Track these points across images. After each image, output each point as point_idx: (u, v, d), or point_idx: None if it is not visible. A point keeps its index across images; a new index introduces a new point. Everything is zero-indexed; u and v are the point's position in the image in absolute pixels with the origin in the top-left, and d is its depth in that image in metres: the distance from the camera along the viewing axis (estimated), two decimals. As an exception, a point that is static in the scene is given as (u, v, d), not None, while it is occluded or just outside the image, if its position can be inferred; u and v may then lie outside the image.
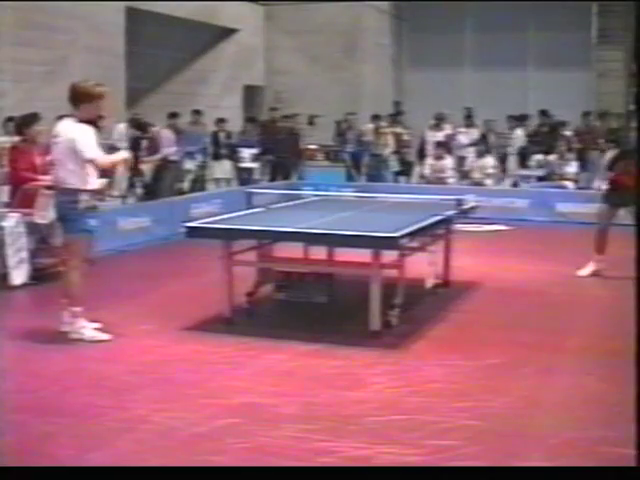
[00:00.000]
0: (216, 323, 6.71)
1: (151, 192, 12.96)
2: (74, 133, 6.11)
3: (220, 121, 15.99)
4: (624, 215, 9.17)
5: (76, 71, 14.21)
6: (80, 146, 6.06)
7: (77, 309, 6.23)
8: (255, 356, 5.90)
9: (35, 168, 8.49)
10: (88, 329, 6.21)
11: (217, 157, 15.80)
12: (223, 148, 15.66)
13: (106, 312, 7.03)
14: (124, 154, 6.70)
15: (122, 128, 14.40)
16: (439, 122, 16.48)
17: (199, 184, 15.02)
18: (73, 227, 6.21)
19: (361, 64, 20.50)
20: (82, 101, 6.17)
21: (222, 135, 15.82)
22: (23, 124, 8.80)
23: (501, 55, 20.84)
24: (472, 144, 15.83)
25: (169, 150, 12.98)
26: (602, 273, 8.74)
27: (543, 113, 16.71)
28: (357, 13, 20.43)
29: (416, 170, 16.57)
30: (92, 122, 6.37)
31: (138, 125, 13.21)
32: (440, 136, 15.93)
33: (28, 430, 4.49)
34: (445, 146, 15.26)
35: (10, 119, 11.92)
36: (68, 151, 6.11)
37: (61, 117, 6.47)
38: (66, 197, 6.18)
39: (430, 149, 15.80)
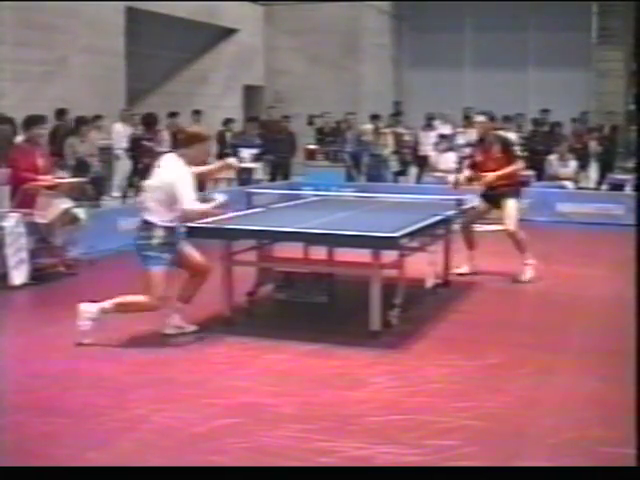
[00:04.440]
0: (216, 323, 6.71)
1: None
2: (175, 177, 5.99)
3: (228, 121, 16.10)
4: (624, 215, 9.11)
5: (76, 71, 14.25)
6: (178, 194, 5.95)
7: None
8: (255, 356, 5.90)
9: (36, 169, 8.49)
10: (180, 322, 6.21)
11: (221, 157, 15.82)
12: (228, 148, 15.71)
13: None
14: (220, 198, 6.28)
15: (119, 127, 14.40)
16: (430, 122, 16.50)
17: (199, 184, 15.01)
18: (147, 261, 6.07)
19: (361, 64, 20.51)
20: (194, 142, 6.21)
21: (228, 135, 15.88)
22: (27, 125, 8.81)
23: (501, 55, 20.85)
24: (469, 144, 15.83)
25: (163, 150, 12.93)
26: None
27: (544, 112, 16.73)
28: (357, 13, 20.44)
29: (412, 170, 16.58)
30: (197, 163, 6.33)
31: (149, 122, 13.11)
32: (432, 136, 15.97)
33: (28, 430, 4.49)
34: (448, 140, 15.35)
35: (9, 120, 11.91)
36: (161, 189, 6.02)
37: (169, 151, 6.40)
38: (143, 232, 6.07)
39: (425, 149, 15.86)
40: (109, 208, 12.22)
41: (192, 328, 6.44)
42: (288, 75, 20.47)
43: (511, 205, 8.56)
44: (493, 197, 8.65)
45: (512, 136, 15.43)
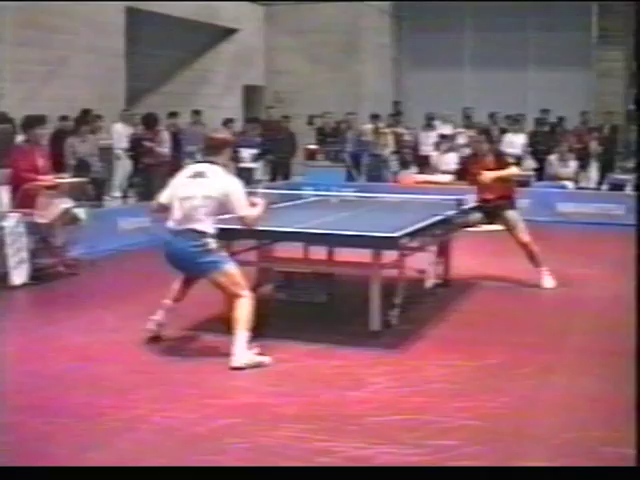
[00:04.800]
0: (216, 323, 6.70)
1: (142, 192, 12.92)
2: (231, 187, 5.94)
3: (228, 121, 16.10)
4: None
5: (76, 71, 14.25)
6: (236, 202, 5.90)
7: (245, 333, 5.73)
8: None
9: (37, 169, 8.50)
10: (250, 354, 5.72)
11: None
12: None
13: (106, 312, 7.05)
14: (261, 203, 6.16)
15: (119, 128, 14.40)
16: (430, 122, 16.50)
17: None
18: (214, 265, 5.94)
19: (361, 64, 20.50)
20: (223, 147, 6.13)
21: None
22: (28, 125, 8.81)
23: (501, 55, 20.84)
24: (468, 144, 15.83)
25: (163, 150, 12.94)
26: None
27: (544, 112, 16.73)
28: (357, 13, 20.43)
29: (412, 171, 16.59)
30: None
31: (149, 122, 13.10)
32: (433, 136, 15.98)
33: (28, 430, 4.49)
34: (449, 140, 15.36)
35: (9, 120, 11.91)
36: (214, 199, 5.89)
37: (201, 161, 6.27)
38: (192, 241, 5.94)
39: (425, 149, 15.88)
40: (109, 208, 12.23)
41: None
42: (288, 75, 20.46)
43: (514, 216, 8.48)
44: (489, 210, 8.53)
45: (520, 138, 15.45)
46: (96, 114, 13.66)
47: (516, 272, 8.95)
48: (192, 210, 5.91)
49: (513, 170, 8.70)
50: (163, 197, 6.26)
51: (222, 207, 5.94)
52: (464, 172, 8.93)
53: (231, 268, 5.94)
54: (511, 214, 8.47)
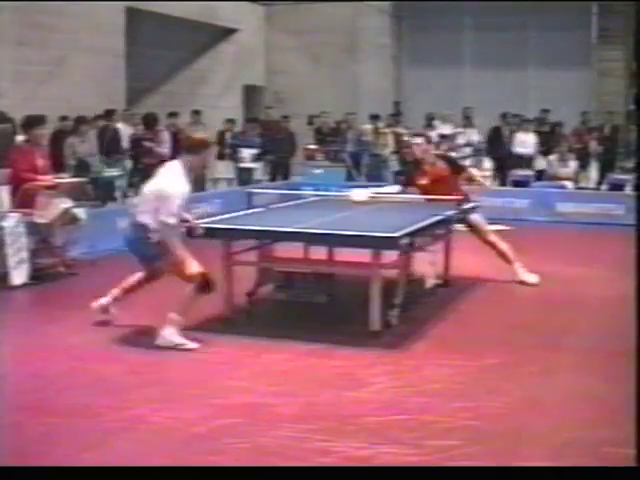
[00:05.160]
0: (216, 323, 6.71)
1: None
2: (164, 187, 6.07)
3: (229, 121, 16.13)
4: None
5: (76, 71, 14.24)
6: (161, 204, 6.01)
7: (177, 318, 6.09)
8: (255, 356, 5.90)
9: (36, 169, 8.49)
10: (178, 337, 6.04)
11: (221, 157, 15.86)
12: (227, 148, 15.74)
13: (106, 312, 7.03)
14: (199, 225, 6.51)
15: (120, 127, 14.39)
16: (430, 122, 16.50)
17: (200, 184, 15.01)
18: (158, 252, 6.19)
19: (361, 64, 20.49)
20: (200, 149, 6.30)
21: (229, 135, 15.89)
22: (28, 125, 8.81)
23: (501, 55, 20.82)
24: (467, 144, 15.84)
25: (163, 151, 12.93)
26: None
27: (544, 112, 16.72)
28: (357, 13, 20.42)
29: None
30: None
31: (149, 122, 13.10)
32: (433, 136, 15.96)
33: (28, 430, 4.49)
34: (449, 140, 15.37)
35: (9, 120, 11.91)
36: (153, 195, 6.09)
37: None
38: (141, 233, 6.17)
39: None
40: (109, 208, 12.22)
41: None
42: (288, 75, 20.45)
43: (476, 218, 8.50)
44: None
45: (532, 137, 15.42)
46: (96, 114, 13.65)
47: (516, 272, 8.94)
48: (141, 204, 6.26)
49: (469, 173, 8.75)
50: None
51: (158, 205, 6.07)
52: (410, 180, 8.73)
53: (176, 247, 6.15)
54: (473, 217, 8.46)
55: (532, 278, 8.46)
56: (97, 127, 13.61)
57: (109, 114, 13.85)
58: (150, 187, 6.23)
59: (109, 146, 13.43)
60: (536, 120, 16.63)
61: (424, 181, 8.38)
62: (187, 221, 6.41)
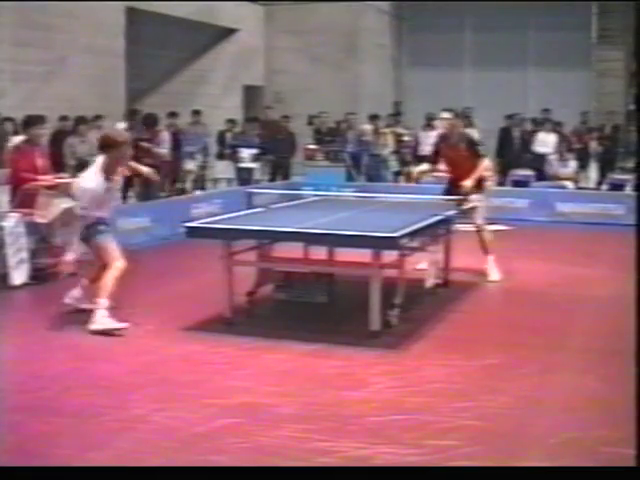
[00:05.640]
0: (216, 323, 6.71)
1: (142, 193, 12.93)
2: (82, 182, 6.69)
3: (230, 122, 16.15)
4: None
5: (76, 71, 14.25)
6: (79, 198, 6.66)
7: (104, 301, 6.49)
8: (255, 356, 5.90)
9: (36, 169, 8.49)
10: (108, 320, 6.41)
11: (221, 157, 15.86)
12: (227, 148, 15.76)
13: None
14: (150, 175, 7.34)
15: (123, 127, 14.39)
16: (430, 122, 16.49)
17: (200, 184, 15.04)
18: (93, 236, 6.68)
19: (361, 64, 20.50)
20: (110, 148, 6.58)
21: (229, 135, 15.89)
22: (27, 125, 8.81)
23: (501, 55, 20.84)
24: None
25: (163, 151, 12.92)
26: None
27: (545, 112, 16.71)
28: (357, 13, 20.43)
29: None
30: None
31: (148, 123, 13.09)
32: (433, 136, 15.95)
33: (28, 430, 4.49)
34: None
35: (8, 119, 11.93)
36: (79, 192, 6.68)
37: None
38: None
39: (425, 149, 15.86)
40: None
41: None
42: (288, 75, 20.46)
43: (476, 198, 8.55)
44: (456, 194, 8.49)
45: (552, 137, 15.38)
46: (96, 114, 13.66)
47: (516, 272, 8.96)
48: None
49: (484, 164, 8.75)
50: None
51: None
52: (436, 155, 9.00)
53: (102, 240, 6.68)
54: (474, 197, 8.52)
55: (496, 275, 8.58)
56: (97, 127, 13.60)
57: (133, 113, 14.11)
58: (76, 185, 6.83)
59: (173, 144, 13.60)
60: (533, 120, 16.67)
61: (446, 153, 8.72)
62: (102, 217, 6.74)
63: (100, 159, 6.60)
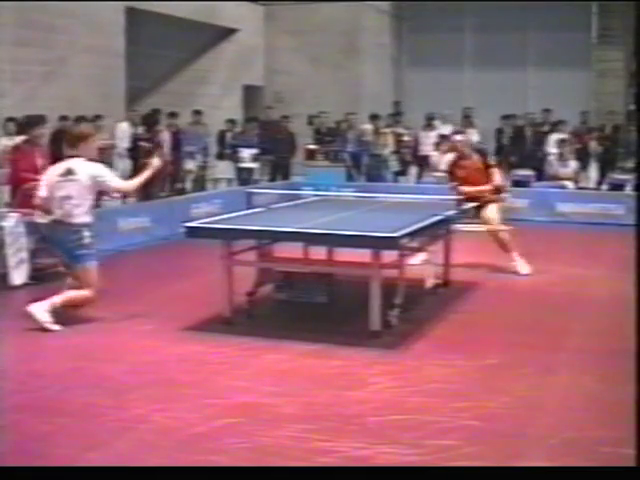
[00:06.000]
0: (216, 323, 6.71)
1: (142, 193, 12.92)
2: (93, 169, 6.68)
3: (230, 122, 16.15)
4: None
5: (76, 71, 14.24)
6: (104, 179, 6.72)
7: (59, 303, 6.55)
8: (255, 356, 5.90)
9: (36, 169, 8.48)
10: (46, 316, 6.47)
11: (221, 157, 15.86)
12: (227, 148, 15.76)
13: (106, 312, 7.04)
14: (155, 163, 7.13)
15: (125, 127, 14.39)
16: (430, 122, 16.49)
17: (199, 184, 15.04)
18: (85, 258, 6.63)
19: (361, 64, 20.48)
20: (79, 142, 6.70)
21: (229, 135, 15.90)
22: (27, 125, 8.81)
23: (501, 55, 20.82)
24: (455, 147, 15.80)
25: (163, 151, 12.92)
26: None
27: (545, 112, 16.69)
28: (357, 13, 20.41)
29: (412, 170, 16.59)
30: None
31: (148, 123, 13.09)
32: (432, 136, 15.97)
33: (28, 430, 4.49)
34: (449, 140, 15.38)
35: (11, 119, 11.93)
36: (85, 188, 6.61)
37: (68, 157, 6.81)
38: (72, 235, 6.58)
39: (425, 149, 15.88)
40: (109, 208, 12.22)
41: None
42: (288, 75, 20.45)
43: (492, 209, 9.01)
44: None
45: (563, 136, 15.30)
46: (96, 114, 13.65)
47: (516, 272, 8.95)
48: (71, 209, 6.58)
49: (496, 175, 9.17)
50: (43, 192, 6.78)
51: (96, 191, 6.86)
52: (451, 176, 9.32)
53: (92, 266, 6.65)
54: (492, 206, 9.00)
55: (525, 269, 8.83)
56: (97, 127, 13.59)
57: (154, 114, 14.35)
58: (80, 187, 6.68)
59: (173, 144, 13.68)
60: (533, 120, 16.63)
61: (463, 173, 9.05)
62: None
63: (82, 154, 6.66)
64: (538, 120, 16.66)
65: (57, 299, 6.54)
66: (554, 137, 15.35)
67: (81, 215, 6.60)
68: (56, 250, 7.04)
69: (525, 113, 16.88)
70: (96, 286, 6.64)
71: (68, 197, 6.58)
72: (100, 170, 6.74)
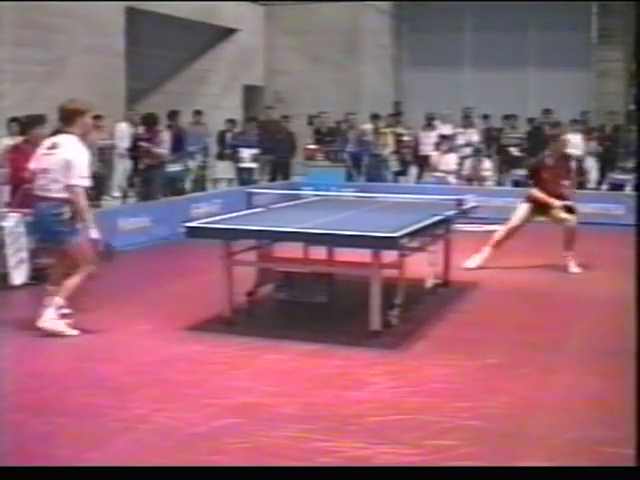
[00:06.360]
0: (216, 323, 6.71)
1: (142, 192, 12.94)
2: (74, 155, 6.38)
3: (230, 122, 16.16)
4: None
5: (76, 71, 14.24)
6: (73, 170, 6.33)
7: (61, 303, 6.36)
8: (255, 356, 5.90)
9: (36, 169, 8.48)
10: (60, 323, 6.32)
11: (221, 157, 15.86)
12: (227, 148, 15.77)
13: (106, 312, 7.05)
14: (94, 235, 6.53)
15: (124, 127, 14.39)
16: (430, 122, 16.48)
17: (200, 184, 15.04)
18: (67, 236, 6.38)
19: (361, 64, 20.49)
20: (75, 117, 6.50)
21: (229, 135, 15.90)
22: (28, 124, 8.80)
23: (501, 55, 20.82)
24: (467, 144, 15.82)
25: (161, 151, 12.91)
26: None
27: (546, 112, 16.68)
28: (357, 13, 20.42)
29: (412, 170, 16.59)
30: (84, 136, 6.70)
31: (148, 123, 13.09)
32: (433, 136, 15.96)
33: (28, 430, 4.49)
34: (449, 140, 15.38)
35: (14, 119, 11.92)
36: (63, 165, 6.34)
37: (56, 132, 6.69)
38: (53, 209, 6.35)
39: (425, 149, 15.88)
40: (109, 208, 12.22)
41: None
42: (288, 75, 20.45)
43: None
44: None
45: (579, 139, 15.21)
46: (96, 114, 13.65)
47: (516, 272, 8.96)
48: (50, 182, 6.36)
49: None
50: (32, 164, 6.63)
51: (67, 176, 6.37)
52: (535, 176, 9.52)
53: (78, 242, 6.37)
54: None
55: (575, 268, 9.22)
56: (97, 127, 13.59)
57: (174, 115, 14.46)
58: (58, 162, 6.43)
59: (174, 144, 13.68)
60: (532, 120, 16.60)
61: (548, 175, 9.33)
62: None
63: (74, 132, 6.46)
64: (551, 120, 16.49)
65: (58, 298, 6.34)
66: (573, 138, 15.08)
67: (60, 190, 6.33)
68: (39, 233, 6.73)
69: (543, 112, 16.69)
70: (91, 260, 6.37)
71: (46, 170, 6.39)
72: (78, 159, 6.36)
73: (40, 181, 6.44)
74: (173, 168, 13.47)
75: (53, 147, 6.46)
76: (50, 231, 6.43)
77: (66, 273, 6.47)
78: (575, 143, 14.91)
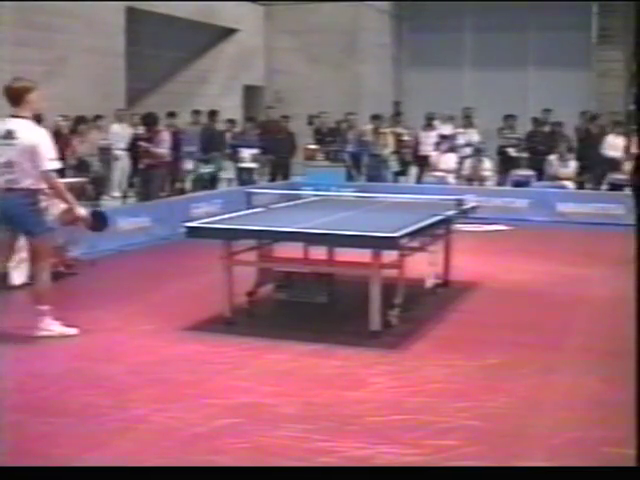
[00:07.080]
0: (216, 323, 6.71)
1: (140, 193, 12.94)
2: (35, 137, 6.09)
3: (230, 122, 16.16)
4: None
5: (76, 71, 14.26)
6: (41, 155, 6.04)
7: (45, 308, 6.31)
8: (255, 356, 5.90)
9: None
10: (56, 325, 6.29)
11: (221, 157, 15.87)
12: (226, 148, 15.78)
13: (106, 312, 7.05)
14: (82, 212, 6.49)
15: (117, 128, 14.39)
16: (430, 122, 16.49)
17: (213, 184, 15.02)
18: (37, 227, 6.20)
19: (361, 64, 20.51)
20: (24, 95, 6.10)
21: (229, 135, 15.92)
22: None
23: (501, 55, 20.85)
24: (468, 145, 15.83)
25: (161, 151, 12.90)
26: None
27: (546, 112, 16.67)
28: (357, 13, 20.44)
29: (412, 170, 16.61)
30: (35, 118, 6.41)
31: (148, 123, 13.08)
32: (433, 136, 15.97)
33: (28, 430, 4.49)
34: (449, 140, 15.40)
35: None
36: (27, 153, 6.03)
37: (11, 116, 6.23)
38: (24, 199, 6.09)
39: (425, 149, 15.89)
40: (109, 208, 12.22)
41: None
42: (288, 75, 20.47)
43: None
44: None
45: (621, 140, 14.88)
46: (96, 114, 13.67)
47: (516, 272, 8.96)
48: (17, 173, 6.03)
49: None
50: None
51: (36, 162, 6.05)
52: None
53: (47, 237, 6.30)
54: None
55: None
56: (97, 127, 13.62)
57: (213, 114, 14.87)
58: (21, 152, 6.12)
59: (206, 144, 13.69)
60: (535, 120, 16.58)
61: None
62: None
63: (25, 114, 6.08)
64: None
65: (40, 306, 6.27)
66: (610, 140, 14.86)
67: (29, 179, 6.03)
68: (9, 224, 6.22)
69: (543, 112, 16.50)
70: (49, 258, 6.23)
71: (9, 163, 6.02)
72: (42, 143, 6.05)
73: (5, 176, 6.06)
74: (206, 170, 13.52)
75: (9, 136, 6.04)
76: (25, 223, 6.15)
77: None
78: (615, 145, 14.73)
